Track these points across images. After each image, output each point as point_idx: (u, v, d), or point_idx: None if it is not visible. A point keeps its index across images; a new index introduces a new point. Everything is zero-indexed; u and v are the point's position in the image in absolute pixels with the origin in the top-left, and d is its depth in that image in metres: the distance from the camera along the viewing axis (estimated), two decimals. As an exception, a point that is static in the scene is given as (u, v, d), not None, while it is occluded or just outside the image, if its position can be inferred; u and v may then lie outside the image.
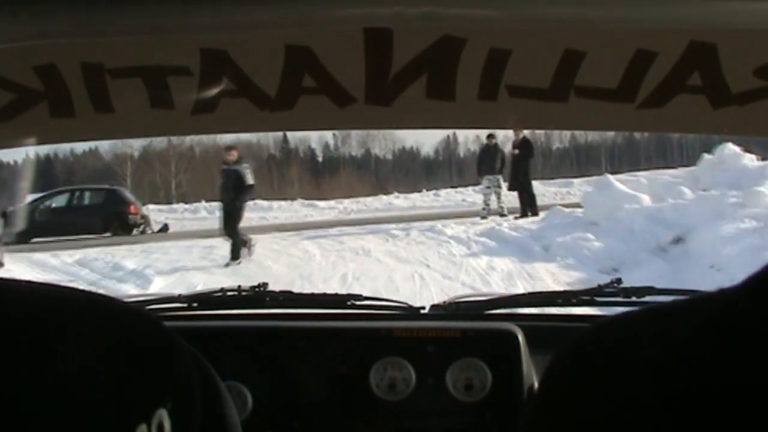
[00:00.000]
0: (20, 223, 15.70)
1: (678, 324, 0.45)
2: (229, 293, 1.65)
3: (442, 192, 30.39)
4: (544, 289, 1.77)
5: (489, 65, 0.91)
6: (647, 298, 1.57)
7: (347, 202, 26.84)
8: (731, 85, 0.90)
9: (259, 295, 1.65)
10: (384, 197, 28.94)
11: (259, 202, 23.88)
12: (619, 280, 1.63)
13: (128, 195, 19.70)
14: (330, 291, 1.74)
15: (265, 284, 1.69)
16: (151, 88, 0.96)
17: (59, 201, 18.93)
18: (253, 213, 20.78)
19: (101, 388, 0.50)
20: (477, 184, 17.92)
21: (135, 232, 17.92)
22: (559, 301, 1.63)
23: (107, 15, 0.69)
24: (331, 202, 26.34)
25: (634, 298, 1.56)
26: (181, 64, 0.93)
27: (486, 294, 1.68)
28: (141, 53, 0.91)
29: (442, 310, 1.62)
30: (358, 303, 1.63)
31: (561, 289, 1.73)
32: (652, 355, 0.44)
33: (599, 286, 1.62)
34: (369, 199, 28.06)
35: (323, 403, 1.40)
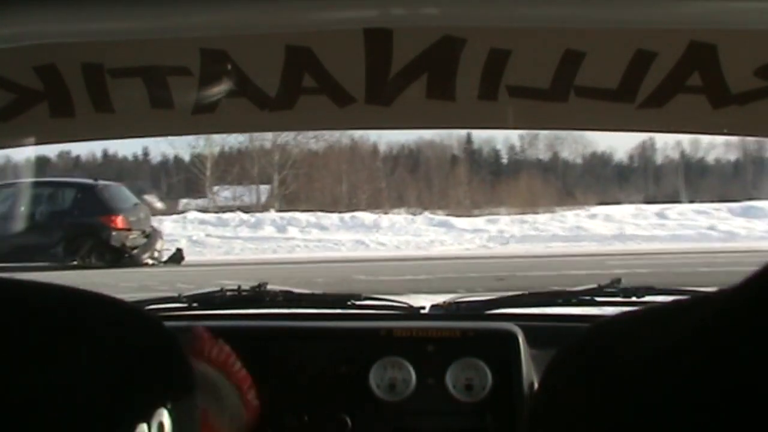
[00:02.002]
0: None
1: (677, 322, 0.45)
2: (229, 293, 1.65)
3: (673, 210, 18.07)
4: (544, 290, 1.76)
5: (489, 65, 0.91)
6: (647, 298, 1.57)
7: (507, 220, 18.10)
8: (731, 85, 0.90)
9: (258, 294, 1.65)
10: (572, 213, 19.05)
11: (362, 214, 18.46)
12: (618, 280, 1.63)
13: (114, 196, 12.27)
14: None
15: (264, 284, 1.69)
16: (151, 88, 0.96)
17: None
18: (351, 233, 16.22)
19: (102, 387, 0.50)
20: (725, 200, 12.26)
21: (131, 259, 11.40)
22: (559, 301, 1.63)
23: (107, 15, 0.69)
24: (480, 222, 17.79)
25: (634, 298, 1.56)
26: (181, 64, 0.93)
27: (486, 294, 1.68)
28: (141, 53, 0.91)
29: (442, 310, 1.62)
30: (358, 303, 1.63)
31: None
32: (651, 355, 0.44)
33: (599, 286, 1.62)
34: (543, 217, 18.28)
35: (323, 403, 1.39)
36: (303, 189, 24.46)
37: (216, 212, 19.94)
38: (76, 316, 0.54)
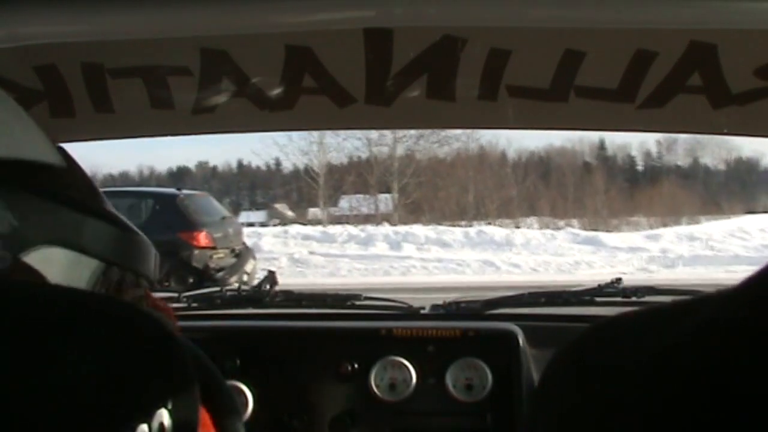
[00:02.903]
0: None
1: (678, 323, 0.45)
2: (229, 293, 1.65)
3: None
4: (543, 290, 1.76)
5: (489, 65, 0.91)
6: (647, 298, 1.57)
7: (672, 236, 14.31)
8: (731, 85, 0.90)
9: (259, 294, 1.65)
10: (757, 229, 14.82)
11: (490, 229, 15.63)
12: (618, 280, 1.63)
13: (198, 209, 10.22)
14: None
15: (264, 284, 1.69)
16: (151, 88, 0.96)
17: None
18: (478, 251, 13.55)
19: (102, 387, 0.50)
20: None
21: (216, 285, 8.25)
22: (559, 301, 1.63)
23: (107, 15, 0.69)
24: (637, 238, 14.34)
25: (634, 298, 1.56)
26: (181, 64, 0.93)
27: (486, 294, 1.68)
28: (141, 53, 0.91)
29: (442, 310, 1.62)
30: (358, 303, 1.63)
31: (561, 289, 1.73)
32: (651, 356, 0.44)
33: (599, 286, 1.62)
34: (718, 232, 14.41)
35: (323, 403, 1.39)
36: (425, 198, 22.21)
37: (331, 223, 18.43)
38: (75, 316, 0.54)
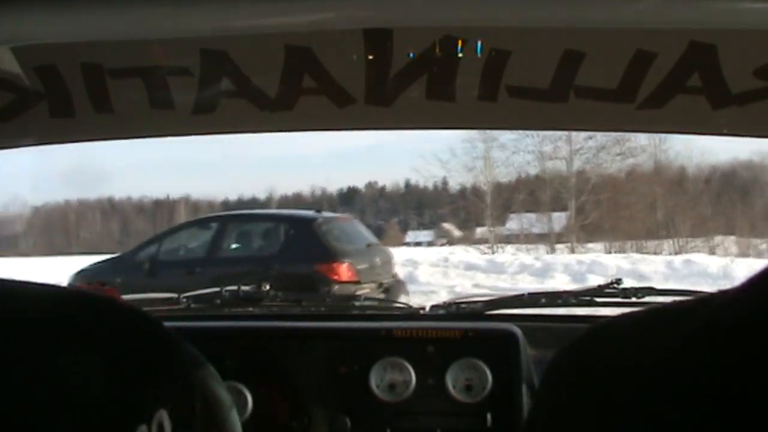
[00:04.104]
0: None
1: (678, 324, 0.45)
2: (229, 293, 1.65)
3: None
4: (543, 290, 1.76)
5: (489, 65, 0.91)
6: (647, 299, 1.57)
7: None
8: (731, 85, 0.90)
9: (258, 295, 1.65)
10: None
11: (700, 257, 12.53)
12: (619, 281, 1.63)
13: (340, 235, 8.54)
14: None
15: (264, 284, 1.69)
16: (151, 88, 0.96)
17: (183, 243, 9.37)
18: (686, 284, 9.00)
19: (102, 388, 0.50)
20: None
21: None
22: (559, 301, 1.63)
23: (107, 15, 0.69)
24: None
25: (634, 299, 1.56)
26: (181, 64, 0.93)
27: (486, 294, 1.68)
28: (141, 53, 0.91)
29: (442, 310, 1.62)
30: (357, 303, 1.63)
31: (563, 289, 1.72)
32: (651, 356, 0.44)
33: (599, 286, 1.62)
34: None
35: (323, 404, 1.39)
36: (606, 218, 19.16)
37: (499, 243, 16.97)
38: (75, 317, 0.54)
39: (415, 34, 0.88)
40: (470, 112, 1.04)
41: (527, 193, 19.63)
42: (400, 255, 10.59)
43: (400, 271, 9.50)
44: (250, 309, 1.65)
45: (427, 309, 1.64)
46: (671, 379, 0.41)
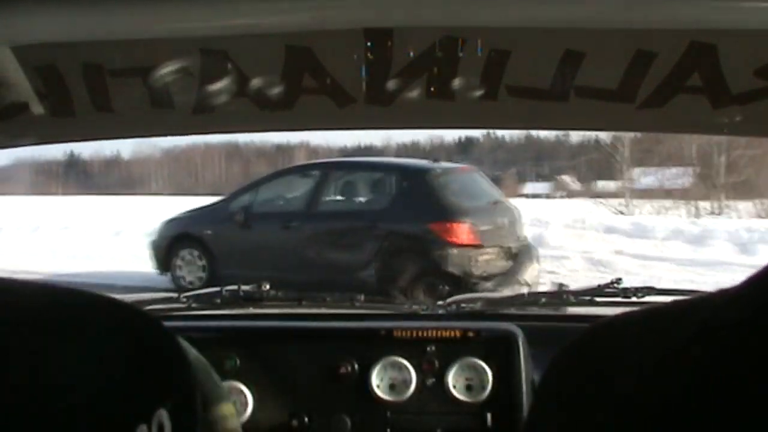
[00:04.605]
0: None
1: (678, 324, 0.45)
2: (229, 293, 1.65)
3: None
4: (543, 290, 1.76)
5: (489, 65, 0.91)
6: (647, 299, 1.57)
7: None
8: (731, 85, 0.90)
9: (258, 294, 1.65)
10: None
11: None
12: (619, 280, 1.63)
13: (459, 189, 7.18)
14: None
15: (265, 284, 1.69)
16: (151, 88, 0.96)
17: (281, 192, 8.05)
18: None
19: (101, 388, 0.50)
20: None
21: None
22: (559, 301, 1.63)
23: (107, 15, 0.69)
24: None
25: (634, 299, 1.56)
26: (181, 64, 0.93)
27: (486, 294, 1.68)
28: (141, 53, 0.91)
29: (442, 310, 1.62)
30: (357, 303, 1.63)
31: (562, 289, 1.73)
32: (652, 355, 0.44)
33: (599, 286, 1.62)
34: None
35: (323, 404, 1.39)
36: (760, 176, 16.47)
37: (634, 198, 14.90)
38: (74, 316, 0.54)
39: (415, 34, 0.88)
40: (470, 112, 1.04)
41: (668, 147, 17.37)
42: (527, 213, 8.83)
43: (528, 233, 8.03)
44: (250, 309, 1.65)
45: (428, 309, 1.64)
46: (671, 379, 0.41)
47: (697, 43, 0.84)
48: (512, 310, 1.63)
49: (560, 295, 1.65)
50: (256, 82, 0.96)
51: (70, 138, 1.13)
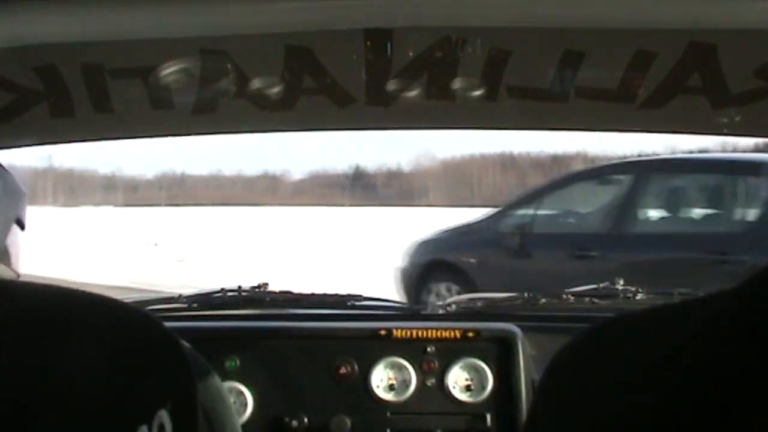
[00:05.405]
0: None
1: (678, 323, 0.45)
2: (229, 293, 1.65)
3: None
4: (543, 290, 1.76)
5: (489, 65, 0.91)
6: (647, 298, 1.57)
7: None
8: (731, 85, 0.90)
9: (259, 295, 1.65)
10: None
11: None
12: (619, 280, 1.63)
13: None
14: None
15: (265, 284, 1.69)
16: (151, 88, 0.96)
17: (571, 206, 5.96)
18: None
19: (102, 388, 0.50)
20: None
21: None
22: (559, 301, 1.63)
23: (107, 15, 0.69)
24: None
25: (634, 298, 1.56)
26: (181, 64, 0.93)
27: (486, 294, 1.68)
28: (141, 53, 0.90)
29: (441, 310, 1.62)
30: (358, 303, 1.63)
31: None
32: (652, 355, 0.44)
33: (599, 286, 1.62)
34: None
35: (323, 404, 1.40)
36: None
37: None
38: (76, 317, 0.54)
39: (415, 34, 0.88)
40: (470, 112, 1.04)
41: None
42: None
43: None
44: (251, 310, 1.65)
45: (427, 309, 1.64)
46: (672, 378, 0.41)
47: (697, 43, 0.84)
48: (512, 310, 1.63)
49: (560, 295, 1.65)
50: (256, 82, 0.96)
51: (70, 138, 1.13)
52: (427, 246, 6.15)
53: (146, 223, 16.67)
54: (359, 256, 11.48)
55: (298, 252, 12.29)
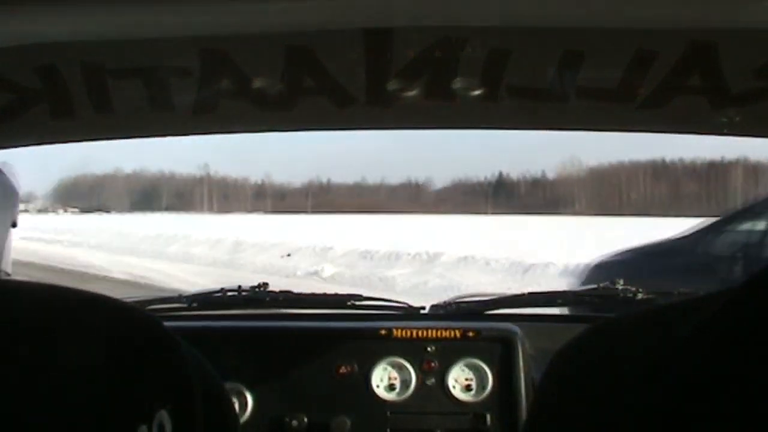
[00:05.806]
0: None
1: (678, 323, 0.45)
2: (230, 293, 1.65)
3: None
4: (544, 290, 1.76)
5: (489, 65, 0.91)
6: (647, 298, 1.57)
7: None
8: (731, 85, 0.90)
9: (259, 295, 1.65)
10: None
11: None
12: (619, 280, 1.63)
13: None
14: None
15: (265, 284, 1.69)
16: (151, 88, 0.96)
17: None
18: None
19: (102, 388, 0.50)
20: None
21: None
22: (559, 301, 1.63)
23: (107, 15, 0.69)
24: None
25: (634, 298, 1.56)
26: (181, 64, 0.93)
27: (486, 294, 1.68)
28: (141, 53, 0.90)
29: (442, 310, 1.62)
30: (358, 303, 1.63)
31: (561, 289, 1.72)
32: (651, 354, 0.44)
33: (599, 286, 1.62)
34: None
35: (323, 403, 1.40)
36: None
37: None
38: (76, 317, 0.54)
39: (415, 34, 0.88)
40: (470, 112, 1.04)
41: None
42: None
43: None
44: (250, 309, 1.65)
45: (427, 309, 1.64)
46: (671, 377, 0.41)
47: (697, 43, 0.84)
48: (512, 310, 1.63)
49: (560, 295, 1.65)
50: (256, 82, 0.96)
51: (70, 138, 1.13)
52: (605, 271, 4.48)
53: (287, 231, 15.99)
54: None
55: (443, 264, 11.76)
